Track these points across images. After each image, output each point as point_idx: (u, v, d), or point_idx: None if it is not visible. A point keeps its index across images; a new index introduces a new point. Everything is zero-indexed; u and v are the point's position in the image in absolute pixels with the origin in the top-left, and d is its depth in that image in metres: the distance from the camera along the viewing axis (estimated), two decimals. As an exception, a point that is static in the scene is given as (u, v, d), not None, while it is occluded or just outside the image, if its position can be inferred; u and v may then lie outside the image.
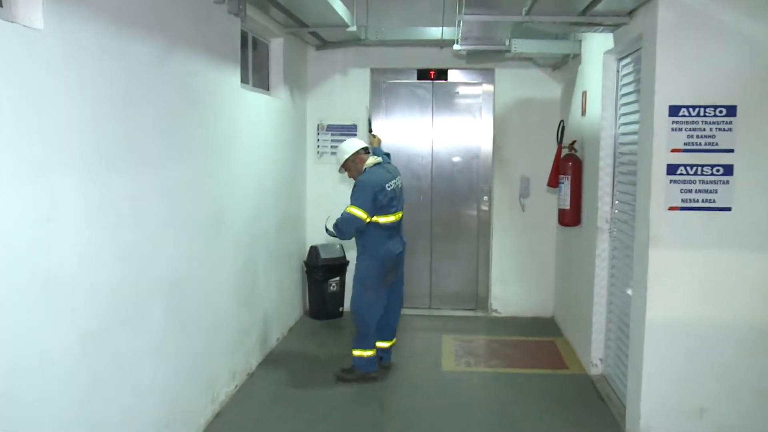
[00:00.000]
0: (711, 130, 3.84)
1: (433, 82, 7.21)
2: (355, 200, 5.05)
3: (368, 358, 5.20)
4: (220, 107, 4.50)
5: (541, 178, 6.83)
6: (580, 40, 5.85)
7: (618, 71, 5.03)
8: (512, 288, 7.21)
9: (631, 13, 4.28)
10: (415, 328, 6.80)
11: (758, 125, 3.84)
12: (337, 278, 6.87)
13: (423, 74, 7.18)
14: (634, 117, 4.60)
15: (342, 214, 5.08)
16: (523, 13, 4.30)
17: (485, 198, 7.24)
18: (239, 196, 4.91)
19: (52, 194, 2.66)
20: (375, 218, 5.06)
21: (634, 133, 4.63)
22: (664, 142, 3.88)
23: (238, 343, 4.96)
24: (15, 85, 2.45)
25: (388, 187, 5.12)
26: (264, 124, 5.53)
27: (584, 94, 5.75)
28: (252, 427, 4.45)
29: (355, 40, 6.58)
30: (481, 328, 6.85)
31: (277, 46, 6.02)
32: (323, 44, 6.82)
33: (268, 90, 5.96)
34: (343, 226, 5.08)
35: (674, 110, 3.85)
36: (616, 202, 5.09)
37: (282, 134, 6.03)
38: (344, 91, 7.10)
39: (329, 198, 6.80)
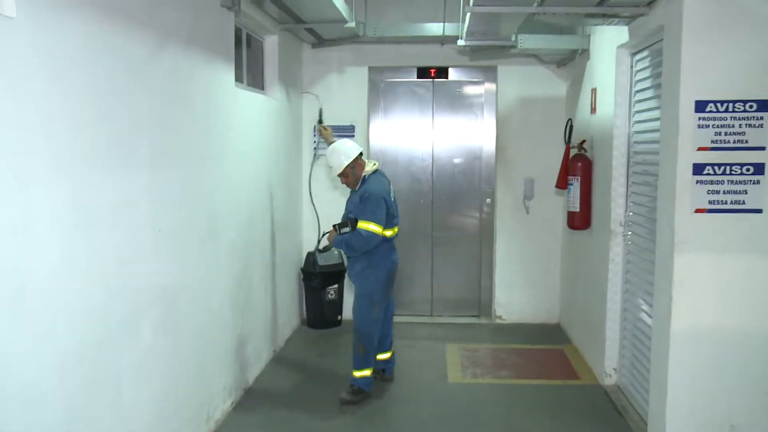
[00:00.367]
0: (740, 126, 3.59)
1: (433, 81, 6.95)
2: (370, 215, 4.68)
3: (370, 377, 4.92)
4: (213, 107, 4.23)
5: (545, 179, 6.62)
6: (589, 35, 5.60)
7: (632, 66, 4.79)
8: (517, 293, 6.96)
9: (650, 4, 4.03)
10: (418, 336, 6.53)
11: (790, 121, 3.59)
12: (336, 286, 6.59)
13: (423, 72, 6.92)
14: (652, 114, 4.36)
15: (357, 233, 4.68)
16: (535, 3, 4.05)
17: (488, 200, 6.98)
18: (233, 201, 4.64)
19: (24, 202, 2.38)
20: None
21: (651, 131, 4.39)
22: (690, 140, 3.62)
23: (233, 357, 4.68)
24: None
25: (392, 197, 4.89)
26: (259, 125, 5.26)
27: (593, 91, 5.51)
28: (250, 448, 4.19)
29: (352, 37, 6.32)
30: (486, 335, 6.59)
31: (271, 44, 5.75)
32: (319, 42, 6.56)
33: (263, 89, 5.69)
34: (359, 245, 4.71)
35: (701, 106, 3.60)
36: (631, 203, 4.84)
37: (277, 135, 5.76)
38: (341, 91, 6.84)
39: (326, 201, 6.56)
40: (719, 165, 3.63)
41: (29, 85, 2.40)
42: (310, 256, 6.52)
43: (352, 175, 4.83)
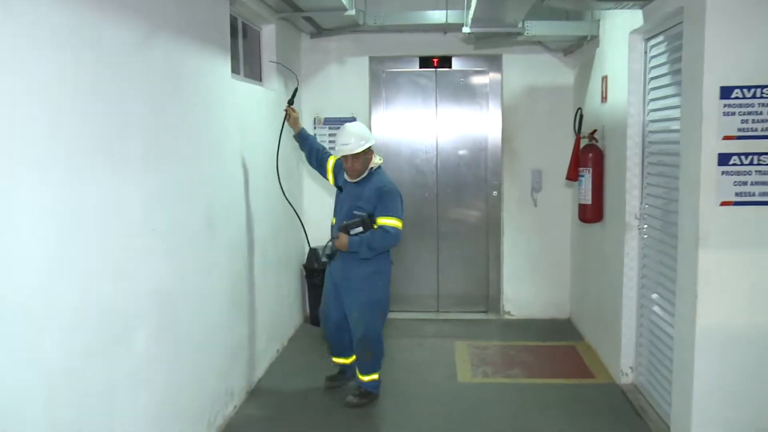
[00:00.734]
0: (769, 113, 3.39)
1: (436, 71, 6.74)
2: (395, 211, 4.37)
3: (378, 380, 4.73)
4: (208, 99, 4.02)
5: (554, 170, 6.43)
6: (599, 20, 5.39)
7: (646, 52, 4.58)
8: (525, 288, 6.77)
9: (668, -15, 3.83)
10: (425, 333, 6.35)
11: (820, 107, 3.39)
12: (339, 282, 6.39)
13: (425, 62, 6.71)
14: (669, 102, 4.16)
15: (383, 230, 4.32)
16: (547, -13, 3.85)
17: (494, 193, 6.78)
18: (232, 197, 4.44)
19: (4, 205, 2.18)
20: None
21: (669, 119, 4.20)
22: (715, 129, 3.42)
23: (235, 359, 4.49)
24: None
25: None
26: (257, 118, 5.05)
27: (604, 78, 5.30)
28: (253, 457, 4.01)
29: (352, 26, 6.11)
30: (495, 332, 6.41)
31: (269, 33, 5.53)
32: (318, 31, 6.35)
33: (260, 81, 5.48)
34: (383, 244, 4.37)
35: (726, 92, 3.39)
36: (646, 195, 4.64)
37: (277, 128, 5.53)
38: (341, 82, 6.63)
39: (328, 197, 6.35)
40: (746, 155, 3.42)
41: (11, 76, 2.20)
42: (313, 252, 6.32)
43: (364, 161, 4.42)
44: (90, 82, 2.68)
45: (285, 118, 4.79)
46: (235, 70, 4.64)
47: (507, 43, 6.17)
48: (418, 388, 4.98)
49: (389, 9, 6.04)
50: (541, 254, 6.71)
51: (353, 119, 6.52)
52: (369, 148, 4.43)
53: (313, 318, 6.48)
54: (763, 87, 3.37)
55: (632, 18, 4.51)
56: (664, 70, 4.26)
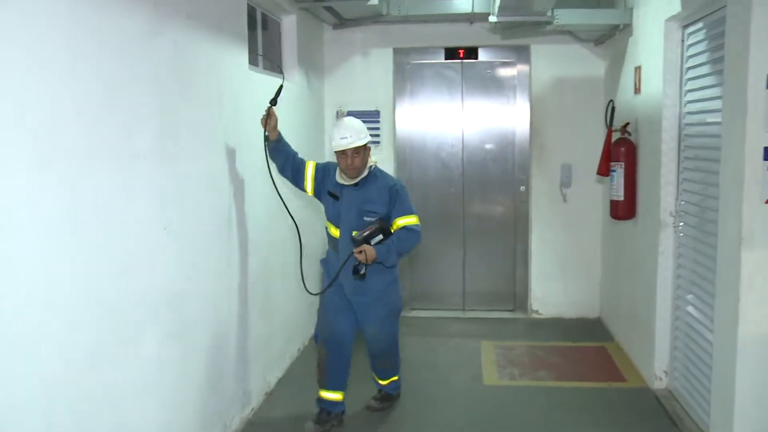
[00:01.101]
0: (820, 104, 3.16)
1: (462, 62, 6.54)
2: (411, 208, 4.01)
3: (398, 380, 4.60)
4: (225, 92, 3.88)
5: (584, 165, 6.21)
6: (632, 8, 5.15)
7: (683, 40, 4.35)
8: (554, 286, 6.56)
9: (709, -32, 3.60)
10: (450, 333, 6.19)
11: None
12: (362, 280, 6.24)
13: (451, 53, 6.51)
14: (708, 93, 3.93)
15: (412, 231, 3.93)
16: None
17: (522, 188, 6.57)
18: (249, 193, 4.30)
19: (3, 201, 2.06)
20: None
21: (707, 111, 3.98)
22: (761, 122, 3.19)
23: (252, 360, 4.36)
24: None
25: None
26: (277, 111, 4.89)
27: (637, 69, 5.07)
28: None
29: (375, 17, 5.96)
30: (522, 331, 6.21)
31: (289, 24, 5.38)
32: (341, 22, 6.19)
33: (281, 73, 5.32)
34: (411, 246, 4.02)
35: (773, 81, 3.17)
36: (682, 191, 4.42)
37: (297, 122, 5.39)
38: (365, 74, 6.47)
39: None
40: (794, 149, 3.20)
41: (13, 66, 2.07)
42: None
43: (364, 158, 3.96)
44: (93, 73, 2.54)
45: (264, 121, 3.96)
46: (253, 62, 4.50)
47: (535, 33, 5.96)
48: (442, 389, 4.82)
49: (414, -2, 5.86)
50: (571, 251, 6.50)
51: (377, 113, 6.40)
52: (367, 143, 3.99)
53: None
54: (813, 76, 3.14)
55: (668, 4, 4.28)
56: (702, 59, 4.03)
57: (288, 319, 5.14)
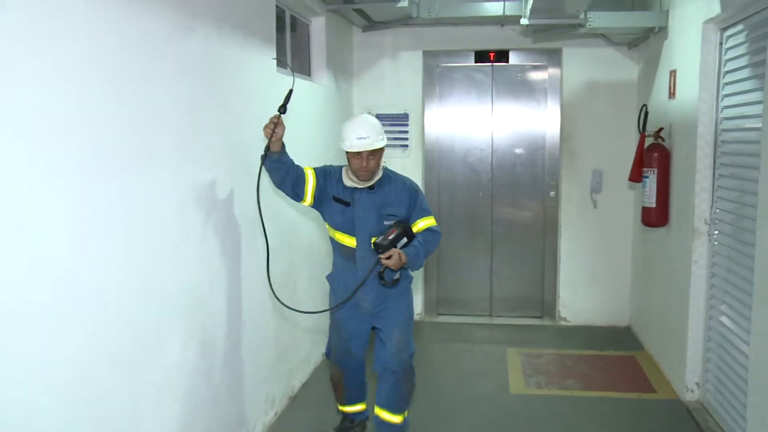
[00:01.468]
0: None
1: (492, 65, 6.46)
2: (430, 209, 3.76)
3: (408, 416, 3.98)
4: (252, 94, 3.87)
5: (615, 171, 6.11)
6: (668, 10, 5.04)
7: (721, 43, 4.23)
8: (582, 293, 6.45)
9: (750, -32, 3.50)
10: (476, 339, 6.11)
11: None
12: (387, 283, 6.18)
13: (481, 56, 6.44)
14: (748, 97, 3.82)
15: (435, 232, 3.68)
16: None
17: (552, 193, 6.47)
18: (275, 197, 4.27)
19: (25, 203, 2.05)
20: None
21: (746, 116, 3.86)
22: (802, 127, 3.09)
23: (276, 364, 4.33)
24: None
25: None
26: (305, 114, 4.88)
27: (672, 73, 4.95)
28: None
29: (405, 19, 5.91)
30: (550, 339, 6.11)
31: (318, 26, 5.36)
32: (370, 25, 6.15)
33: (309, 75, 5.32)
34: (434, 247, 3.72)
35: (815, 86, 3.06)
36: (717, 199, 4.30)
37: (325, 125, 5.36)
38: (394, 77, 6.42)
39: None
40: (836, 156, 3.09)
41: (26, 68, 2.06)
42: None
43: (379, 159, 3.60)
44: (117, 73, 2.53)
45: (270, 131, 3.40)
46: (281, 63, 4.48)
47: (567, 36, 5.86)
48: (467, 397, 4.74)
49: (444, 0, 5.80)
50: (600, 258, 6.38)
51: (405, 116, 6.36)
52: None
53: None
54: None
55: (707, 6, 4.18)
56: (742, 62, 3.92)
57: (313, 323, 5.10)
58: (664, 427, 4.28)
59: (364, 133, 3.51)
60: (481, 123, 6.53)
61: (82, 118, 2.29)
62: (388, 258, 3.48)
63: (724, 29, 4.18)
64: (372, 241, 3.57)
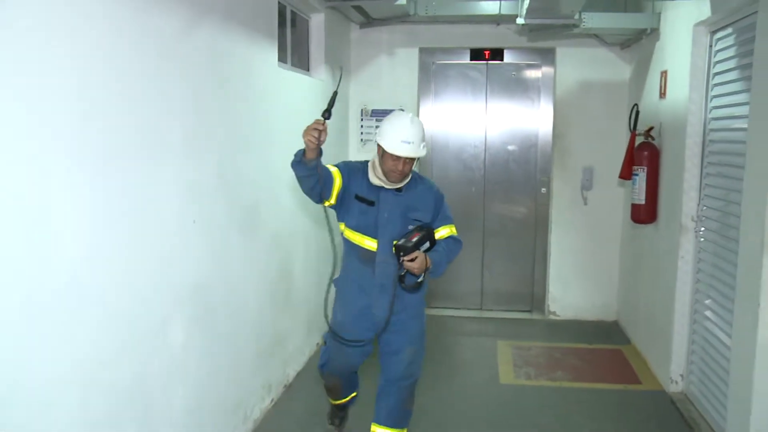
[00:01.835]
0: None
1: (487, 63, 6.58)
2: (452, 217, 3.56)
3: None
4: (254, 88, 3.96)
5: (605, 168, 6.23)
6: (660, 12, 5.17)
7: (711, 46, 4.36)
8: (572, 288, 6.59)
9: (741, -28, 3.62)
10: (467, 332, 6.23)
11: None
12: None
13: (476, 54, 6.55)
14: (735, 98, 3.95)
15: (457, 241, 3.52)
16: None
17: (543, 190, 6.60)
18: (276, 189, 4.38)
19: (37, 193, 2.14)
20: None
21: (732, 117, 3.99)
22: (786, 128, 3.22)
23: (273, 352, 4.44)
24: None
25: None
26: (304, 108, 4.97)
27: (663, 74, 5.08)
28: (290, 450, 3.94)
29: (402, 17, 6.01)
30: (539, 332, 6.24)
31: (317, 22, 5.45)
32: (368, 21, 6.25)
33: (308, 70, 5.41)
34: (455, 257, 3.52)
35: (799, 89, 3.18)
36: (704, 197, 4.43)
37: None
38: (390, 74, 6.52)
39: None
40: (819, 156, 3.21)
41: (49, 62, 2.15)
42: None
43: (414, 163, 3.36)
44: (127, 67, 2.62)
45: (316, 139, 3.13)
46: (282, 59, 4.57)
47: (561, 35, 5.98)
48: (458, 388, 4.86)
49: (441, -2, 5.90)
50: (590, 254, 6.52)
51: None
52: None
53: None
54: (840, 84, 3.15)
55: (698, 9, 4.30)
56: (730, 64, 4.05)
57: (308, 313, 5.20)
58: (650, 417, 4.41)
59: (410, 137, 3.24)
60: (475, 120, 6.64)
61: (88, 116, 2.37)
62: (412, 260, 3.26)
63: (714, 32, 4.30)
64: (393, 243, 3.34)
